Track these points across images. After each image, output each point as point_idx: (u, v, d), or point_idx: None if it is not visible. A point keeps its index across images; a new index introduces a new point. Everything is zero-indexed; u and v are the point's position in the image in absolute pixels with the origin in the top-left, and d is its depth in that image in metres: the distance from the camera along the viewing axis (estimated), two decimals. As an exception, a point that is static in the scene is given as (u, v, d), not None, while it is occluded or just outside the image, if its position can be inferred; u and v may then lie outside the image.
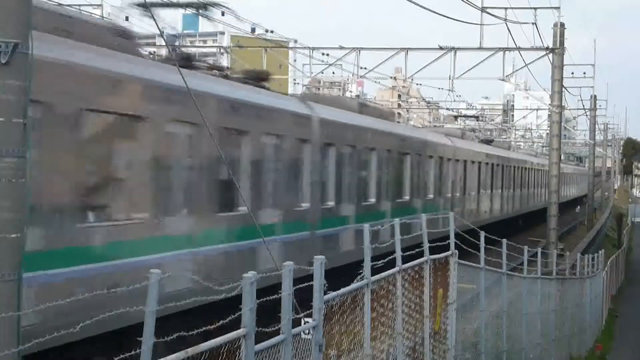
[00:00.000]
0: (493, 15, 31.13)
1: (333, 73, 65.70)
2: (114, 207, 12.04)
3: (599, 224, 58.90)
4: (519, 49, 32.14)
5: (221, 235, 14.78)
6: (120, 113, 12.06)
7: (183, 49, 17.84)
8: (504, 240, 18.20)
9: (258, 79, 17.53)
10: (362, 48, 33.56)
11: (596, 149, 76.51)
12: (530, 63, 33.30)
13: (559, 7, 32.86)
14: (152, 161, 12.82)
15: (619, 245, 54.46)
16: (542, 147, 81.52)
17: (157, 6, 14.74)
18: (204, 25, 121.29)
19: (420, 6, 25.33)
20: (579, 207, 68.95)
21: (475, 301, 15.24)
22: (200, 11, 19.21)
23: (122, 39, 13.03)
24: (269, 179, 16.99)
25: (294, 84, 66.50)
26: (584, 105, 68.64)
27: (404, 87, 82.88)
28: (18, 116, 6.82)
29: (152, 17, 10.94)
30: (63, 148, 10.92)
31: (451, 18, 34.19)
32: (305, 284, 7.51)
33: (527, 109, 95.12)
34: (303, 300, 7.71)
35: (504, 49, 31.93)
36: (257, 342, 6.46)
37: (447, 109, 59.95)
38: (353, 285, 9.32)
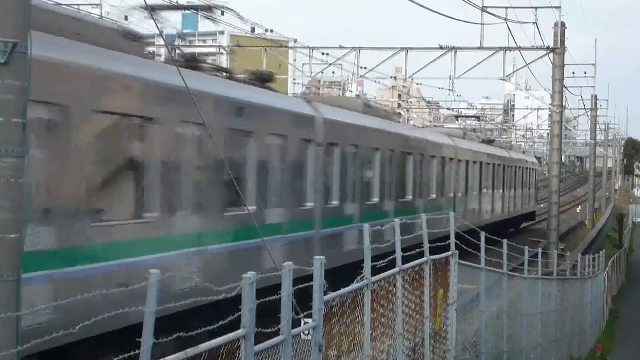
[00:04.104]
0: (493, 15, 31.17)
1: (333, 73, 65.69)
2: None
3: (600, 224, 58.90)
4: (519, 48, 32.15)
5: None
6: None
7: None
8: (505, 241, 18.21)
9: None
10: (362, 47, 33.59)
11: (597, 149, 76.52)
12: (530, 63, 33.38)
13: (559, 7, 32.91)
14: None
15: (619, 245, 54.45)
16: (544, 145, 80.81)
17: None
18: (203, 25, 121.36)
19: (421, 5, 25.37)
20: (579, 207, 68.89)
21: (475, 301, 15.22)
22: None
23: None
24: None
25: (294, 83, 66.52)
26: (584, 105, 68.74)
27: (404, 86, 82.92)
28: (17, 116, 6.80)
29: (152, 17, 10.93)
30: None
31: (451, 17, 34.25)
32: (305, 284, 7.49)
33: (527, 108, 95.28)
34: (303, 300, 7.70)
35: (505, 49, 31.94)
36: (256, 343, 6.45)
37: (448, 108, 59.96)
38: (353, 286, 9.30)
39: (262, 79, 18.49)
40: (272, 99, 17.44)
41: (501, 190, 41.15)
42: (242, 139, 15.34)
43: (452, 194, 31.94)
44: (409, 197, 26.58)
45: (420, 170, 27.64)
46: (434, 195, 29.38)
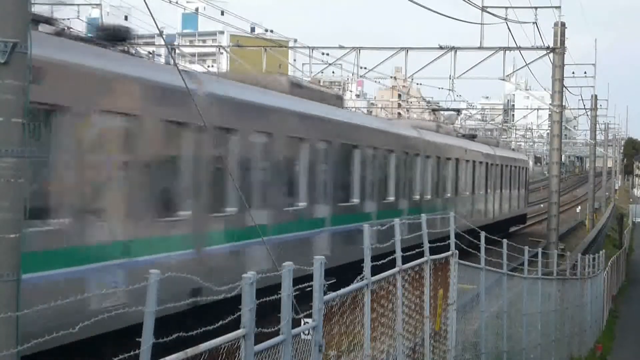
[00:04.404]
0: (493, 15, 31.17)
1: (333, 73, 65.61)
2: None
3: (600, 224, 58.94)
4: (519, 48, 32.15)
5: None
6: None
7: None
8: (505, 241, 18.22)
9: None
10: (362, 47, 33.59)
11: (597, 149, 76.55)
12: (530, 63, 33.38)
13: (559, 7, 32.87)
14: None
15: (620, 245, 54.47)
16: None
17: None
18: (203, 25, 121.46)
19: (421, 5, 25.39)
20: (579, 207, 68.85)
21: (475, 301, 15.23)
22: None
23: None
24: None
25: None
26: (584, 105, 68.76)
27: (404, 86, 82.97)
28: (17, 116, 6.81)
29: (152, 16, 10.93)
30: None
31: (452, 17, 34.31)
32: (305, 284, 7.49)
33: (527, 108, 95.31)
34: (303, 300, 7.69)
35: (505, 49, 31.94)
36: (256, 343, 6.45)
37: (447, 108, 59.89)
38: (353, 286, 9.30)
39: (113, 37, 13.33)
40: (113, 63, 12.19)
41: (483, 192, 37.27)
42: (40, 116, 10.54)
43: (418, 196, 27.31)
44: (355, 200, 21.84)
45: (373, 167, 22.97)
46: (391, 198, 24.79)
